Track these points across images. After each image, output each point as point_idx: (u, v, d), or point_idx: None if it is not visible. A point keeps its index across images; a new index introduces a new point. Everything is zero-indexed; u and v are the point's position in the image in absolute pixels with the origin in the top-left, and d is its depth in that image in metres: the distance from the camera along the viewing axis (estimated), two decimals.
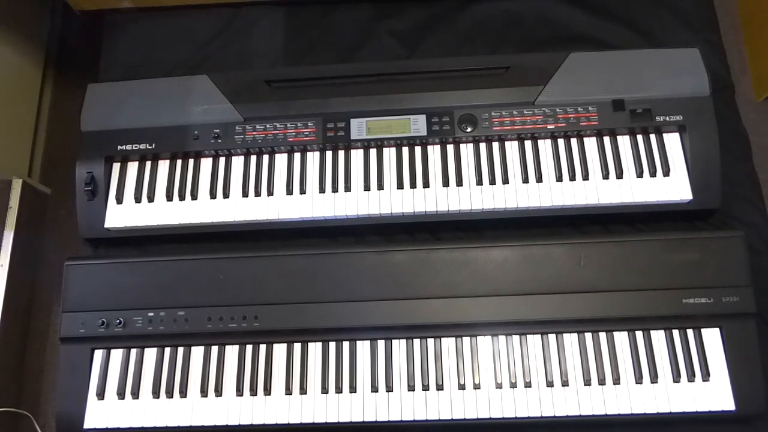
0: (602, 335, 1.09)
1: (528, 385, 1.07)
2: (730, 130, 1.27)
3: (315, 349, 1.12)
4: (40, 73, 1.63)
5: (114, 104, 1.25)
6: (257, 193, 1.20)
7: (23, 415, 1.41)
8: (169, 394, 1.11)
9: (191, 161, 1.23)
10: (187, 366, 1.12)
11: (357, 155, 1.21)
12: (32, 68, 1.61)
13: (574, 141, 1.20)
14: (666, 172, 1.16)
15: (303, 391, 1.09)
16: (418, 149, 1.21)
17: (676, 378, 1.06)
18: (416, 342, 1.11)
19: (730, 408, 1.05)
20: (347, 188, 1.19)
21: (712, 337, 1.09)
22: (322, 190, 1.19)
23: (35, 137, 1.61)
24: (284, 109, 1.23)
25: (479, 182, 1.17)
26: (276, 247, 1.21)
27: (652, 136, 1.19)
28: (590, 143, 1.20)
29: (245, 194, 1.20)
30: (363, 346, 1.12)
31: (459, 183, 1.17)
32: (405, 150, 1.21)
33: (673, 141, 1.18)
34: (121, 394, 1.11)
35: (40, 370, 1.48)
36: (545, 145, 1.20)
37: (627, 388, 1.06)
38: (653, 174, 1.16)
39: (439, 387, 1.08)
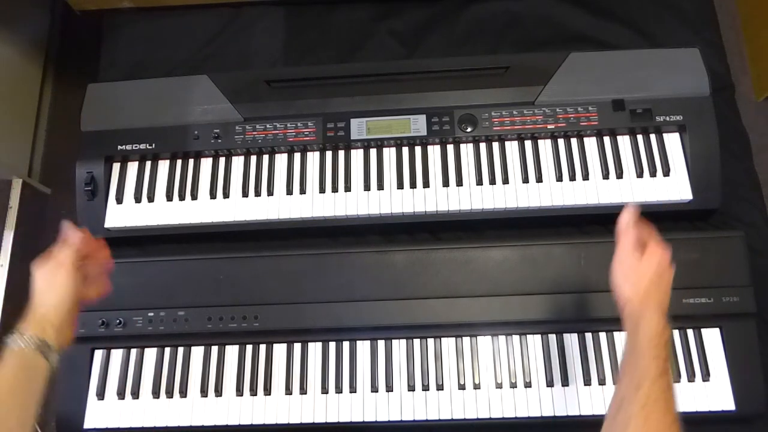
0: (602, 335, 1.09)
1: (528, 385, 1.07)
2: (730, 130, 1.27)
3: (315, 349, 1.12)
4: (40, 73, 1.63)
5: (114, 104, 1.25)
6: (257, 193, 1.20)
7: None
8: (169, 394, 1.11)
9: (191, 161, 1.23)
10: (187, 366, 1.12)
11: (357, 155, 1.21)
12: (32, 68, 1.61)
13: (574, 141, 1.20)
14: (666, 172, 1.16)
15: (303, 391, 1.09)
16: (418, 149, 1.21)
17: (676, 378, 1.06)
18: (416, 342, 1.11)
19: (730, 408, 1.04)
20: (347, 188, 1.19)
21: (712, 337, 1.09)
22: (322, 190, 1.19)
23: (35, 137, 1.61)
24: (284, 109, 1.23)
25: (479, 182, 1.17)
26: (276, 247, 1.21)
27: (652, 136, 1.19)
28: (590, 143, 1.19)
29: (245, 194, 1.20)
30: (363, 346, 1.12)
31: (459, 183, 1.17)
32: (405, 150, 1.21)
33: (673, 141, 1.18)
34: (121, 394, 1.11)
35: None
36: (545, 145, 1.20)
37: None
38: (653, 174, 1.16)
39: (439, 387, 1.08)
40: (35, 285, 0.84)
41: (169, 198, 1.21)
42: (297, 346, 1.12)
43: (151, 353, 1.14)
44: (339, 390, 1.09)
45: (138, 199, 1.21)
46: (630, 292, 0.81)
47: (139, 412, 1.10)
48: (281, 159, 1.22)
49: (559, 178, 1.17)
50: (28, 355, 0.77)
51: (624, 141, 1.19)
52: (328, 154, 1.22)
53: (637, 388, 0.71)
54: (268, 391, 1.10)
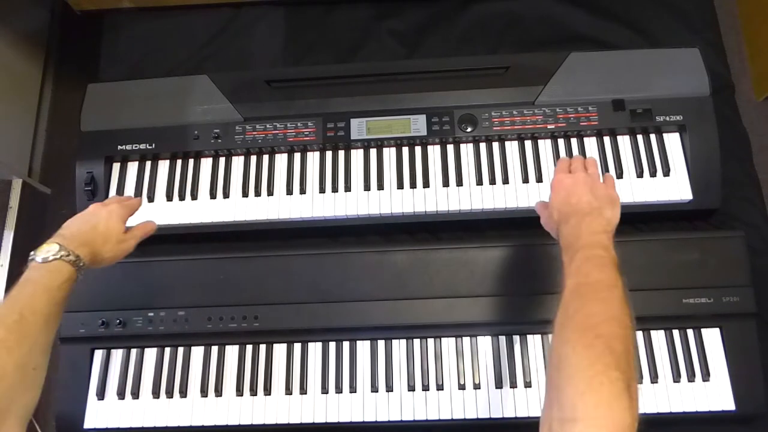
0: None
1: (528, 385, 1.07)
2: (730, 130, 1.27)
3: (315, 349, 1.12)
4: (40, 73, 1.63)
5: (114, 104, 1.25)
6: (257, 193, 1.20)
7: None
8: (169, 394, 1.11)
9: (191, 161, 1.23)
10: (187, 366, 1.12)
11: (357, 155, 1.21)
12: (32, 68, 1.60)
13: (574, 141, 1.20)
14: (666, 172, 1.16)
15: (303, 391, 1.09)
16: (418, 149, 1.21)
17: (676, 378, 1.06)
18: (416, 342, 1.11)
19: (730, 408, 1.04)
20: (347, 188, 1.19)
21: (712, 337, 1.08)
22: (322, 190, 1.19)
23: (35, 137, 1.60)
24: (284, 109, 1.23)
25: (479, 182, 1.17)
26: (276, 247, 1.21)
27: (652, 136, 1.19)
28: (590, 143, 1.20)
29: (245, 194, 1.20)
30: (363, 346, 1.11)
31: (459, 183, 1.17)
32: (405, 150, 1.21)
33: (673, 141, 1.18)
34: (121, 394, 1.11)
35: None
36: (545, 145, 1.20)
37: None
38: (653, 174, 1.16)
39: (439, 387, 1.08)
40: (89, 217, 0.89)
41: (169, 198, 1.21)
42: (297, 346, 1.12)
43: (151, 353, 1.13)
44: (339, 390, 1.09)
45: None
46: (553, 224, 0.89)
47: (139, 412, 1.10)
48: (281, 159, 1.22)
49: None
50: (66, 267, 0.79)
51: (624, 141, 1.19)
52: (328, 154, 1.22)
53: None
54: (268, 391, 1.10)
